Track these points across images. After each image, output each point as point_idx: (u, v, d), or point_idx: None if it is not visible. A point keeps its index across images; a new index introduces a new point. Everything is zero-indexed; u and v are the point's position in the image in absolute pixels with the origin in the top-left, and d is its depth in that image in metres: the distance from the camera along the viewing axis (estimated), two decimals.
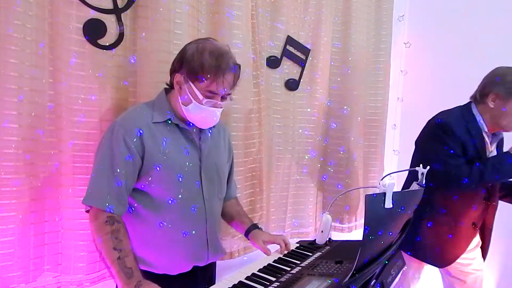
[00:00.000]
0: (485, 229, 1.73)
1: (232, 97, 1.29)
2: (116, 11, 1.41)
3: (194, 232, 1.29)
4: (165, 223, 1.24)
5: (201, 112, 1.22)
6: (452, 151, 1.54)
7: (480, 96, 1.60)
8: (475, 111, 1.61)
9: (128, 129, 1.18)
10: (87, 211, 1.21)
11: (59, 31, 1.31)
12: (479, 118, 1.59)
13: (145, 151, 1.20)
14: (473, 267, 1.76)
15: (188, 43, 1.26)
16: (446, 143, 1.55)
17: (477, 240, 1.76)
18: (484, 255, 1.78)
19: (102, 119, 1.40)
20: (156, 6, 1.45)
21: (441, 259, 1.70)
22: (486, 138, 1.60)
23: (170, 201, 1.24)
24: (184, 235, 1.27)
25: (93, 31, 1.36)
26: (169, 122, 1.25)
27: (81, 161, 1.36)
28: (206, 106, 1.21)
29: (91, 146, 1.37)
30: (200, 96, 1.20)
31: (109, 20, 1.39)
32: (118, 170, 1.16)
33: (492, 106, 1.56)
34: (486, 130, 1.59)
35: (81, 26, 1.34)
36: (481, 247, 1.77)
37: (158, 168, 1.21)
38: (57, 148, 1.35)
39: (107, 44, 1.40)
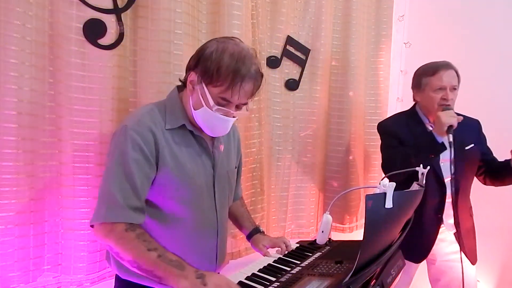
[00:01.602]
0: (461, 230, 1.70)
1: (249, 107, 1.15)
2: (116, 11, 1.41)
3: (204, 244, 1.21)
4: (173, 235, 1.14)
5: (210, 120, 1.11)
6: (388, 144, 1.75)
7: (412, 94, 1.80)
8: (417, 108, 1.78)
9: (143, 135, 1.07)
10: (92, 226, 1.10)
11: (59, 31, 1.31)
12: (420, 113, 1.76)
13: (159, 160, 1.09)
14: (451, 257, 1.75)
15: (210, 40, 1.14)
16: (384, 139, 1.79)
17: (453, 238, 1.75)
18: (470, 258, 1.74)
19: (102, 119, 1.39)
20: (156, 6, 1.45)
21: (413, 253, 1.70)
22: (431, 129, 1.69)
23: (182, 214, 1.15)
24: (194, 250, 1.17)
25: (93, 31, 1.36)
26: (183, 128, 1.15)
27: (81, 161, 1.36)
28: (217, 114, 1.09)
29: (91, 146, 1.37)
30: (212, 102, 1.07)
31: (109, 20, 1.39)
32: (136, 180, 1.06)
33: (418, 100, 1.75)
34: (428, 121, 1.74)
35: (81, 26, 1.33)
36: (464, 251, 1.70)
37: (172, 178, 1.11)
38: (57, 148, 1.35)
39: (107, 44, 1.39)
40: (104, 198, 1.08)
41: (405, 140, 1.69)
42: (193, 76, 1.11)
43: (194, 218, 1.17)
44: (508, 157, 1.59)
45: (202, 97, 1.09)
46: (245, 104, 1.12)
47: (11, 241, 1.27)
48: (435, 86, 1.64)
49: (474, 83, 1.99)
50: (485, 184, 1.79)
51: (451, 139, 1.52)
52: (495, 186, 1.76)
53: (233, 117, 1.13)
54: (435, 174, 1.67)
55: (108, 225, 1.06)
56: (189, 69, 1.14)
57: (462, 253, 1.70)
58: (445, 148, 1.56)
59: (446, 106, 1.62)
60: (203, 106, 1.10)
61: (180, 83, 1.22)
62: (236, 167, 1.38)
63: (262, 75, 1.13)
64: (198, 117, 1.13)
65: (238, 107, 1.12)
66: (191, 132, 1.17)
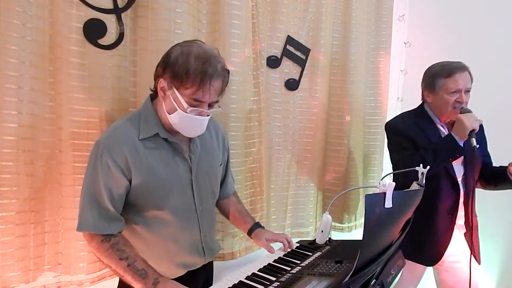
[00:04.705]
0: (469, 227, 1.71)
1: (220, 104, 1.22)
2: (116, 11, 1.41)
3: (188, 242, 1.29)
4: (158, 237, 1.24)
5: (186, 121, 1.16)
6: (401, 146, 1.68)
7: (422, 94, 1.76)
8: (426, 108, 1.74)
9: (113, 152, 1.14)
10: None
11: (59, 31, 1.31)
12: (430, 113, 1.72)
13: (132, 171, 1.16)
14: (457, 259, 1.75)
15: (173, 46, 1.18)
16: (395, 140, 1.72)
17: (462, 240, 1.74)
18: (477, 258, 1.74)
19: (102, 119, 1.40)
20: (156, 6, 1.45)
21: (427, 256, 1.70)
22: (442, 129, 1.70)
23: (162, 216, 1.23)
24: (178, 246, 1.27)
25: (93, 31, 1.36)
26: (157, 136, 1.20)
27: (81, 161, 1.36)
28: (191, 115, 1.14)
29: (91, 146, 1.36)
30: (185, 105, 1.12)
31: (109, 20, 1.39)
32: (106, 195, 1.15)
33: (430, 101, 1.70)
34: (438, 121, 1.71)
35: (81, 26, 1.33)
36: (470, 250, 1.71)
37: (147, 187, 1.19)
38: (57, 148, 1.35)
39: (107, 44, 1.39)
40: (81, 209, 1.18)
41: (419, 142, 1.64)
42: (162, 83, 1.15)
43: (174, 218, 1.24)
44: (506, 163, 1.60)
45: (174, 101, 1.14)
46: (216, 102, 1.18)
47: (12, 241, 1.27)
48: (451, 89, 1.60)
49: (474, 83, 1.99)
50: (475, 185, 1.79)
51: (475, 143, 1.49)
52: (485, 189, 1.78)
53: (207, 116, 1.18)
54: (449, 175, 1.65)
55: (88, 235, 1.18)
56: (157, 76, 1.17)
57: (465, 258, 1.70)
58: (464, 152, 1.54)
59: (464, 108, 1.59)
60: (177, 110, 1.14)
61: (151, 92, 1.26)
62: (221, 164, 1.42)
63: (228, 72, 1.18)
64: (174, 121, 1.17)
65: (210, 105, 1.17)
66: (166, 139, 1.21)
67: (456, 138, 1.54)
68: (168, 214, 1.23)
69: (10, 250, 1.27)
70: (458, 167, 1.67)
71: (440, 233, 1.68)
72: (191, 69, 1.09)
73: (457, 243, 1.73)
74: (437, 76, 1.64)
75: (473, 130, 1.51)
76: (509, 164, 1.59)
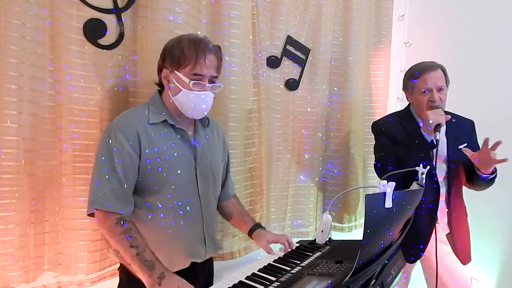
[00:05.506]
0: (453, 231, 1.72)
1: (220, 82, 1.29)
2: (116, 11, 1.41)
3: (190, 230, 1.30)
4: (161, 223, 1.25)
5: (191, 99, 1.22)
6: (382, 144, 1.76)
7: (405, 95, 1.81)
8: (411, 108, 1.79)
9: (126, 131, 1.20)
10: (89, 215, 1.22)
11: (59, 31, 1.31)
12: (414, 113, 1.77)
13: (142, 152, 1.21)
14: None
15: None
16: (378, 139, 1.80)
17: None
18: (462, 258, 1.73)
19: (102, 119, 1.40)
20: (156, 6, 1.45)
21: (408, 252, 1.68)
22: None
23: (166, 201, 1.24)
24: (181, 233, 1.28)
25: (93, 31, 1.36)
26: (165, 123, 1.26)
27: (81, 161, 1.36)
28: (195, 91, 1.21)
29: (91, 146, 1.37)
30: (187, 80, 1.21)
31: (109, 20, 1.39)
32: (120, 172, 1.18)
33: (410, 101, 1.77)
34: (421, 121, 1.72)
35: (81, 26, 1.34)
36: (455, 252, 1.73)
37: (154, 169, 1.22)
38: (57, 148, 1.35)
39: (107, 44, 1.40)
40: (94, 187, 1.19)
41: (400, 140, 1.69)
42: (165, 73, 1.25)
43: (178, 205, 1.27)
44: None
45: (178, 82, 1.23)
46: (215, 77, 1.27)
47: (12, 241, 1.27)
48: (421, 89, 1.66)
49: (473, 83, 1.99)
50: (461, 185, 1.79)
51: (438, 137, 1.53)
52: (469, 188, 1.78)
53: (210, 91, 1.25)
54: (429, 173, 1.65)
55: (102, 216, 1.18)
56: (160, 70, 1.28)
57: (454, 255, 1.71)
58: (434, 147, 1.57)
59: (434, 105, 1.63)
60: (181, 90, 1.22)
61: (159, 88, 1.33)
62: (222, 161, 1.45)
63: (220, 48, 1.30)
64: (180, 101, 1.24)
65: (210, 82, 1.25)
66: (173, 126, 1.27)
67: (425, 134, 1.58)
68: (172, 200, 1.25)
69: (10, 250, 1.27)
70: (440, 165, 1.67)
71: (420, 230, 1.67)
72: (185, 48, 1.21)
73: (444, 242, 1.74)
74: (410, 78, 1.71)
75: (439, 124, 1.55)
76: (470, 156, 1.61)
